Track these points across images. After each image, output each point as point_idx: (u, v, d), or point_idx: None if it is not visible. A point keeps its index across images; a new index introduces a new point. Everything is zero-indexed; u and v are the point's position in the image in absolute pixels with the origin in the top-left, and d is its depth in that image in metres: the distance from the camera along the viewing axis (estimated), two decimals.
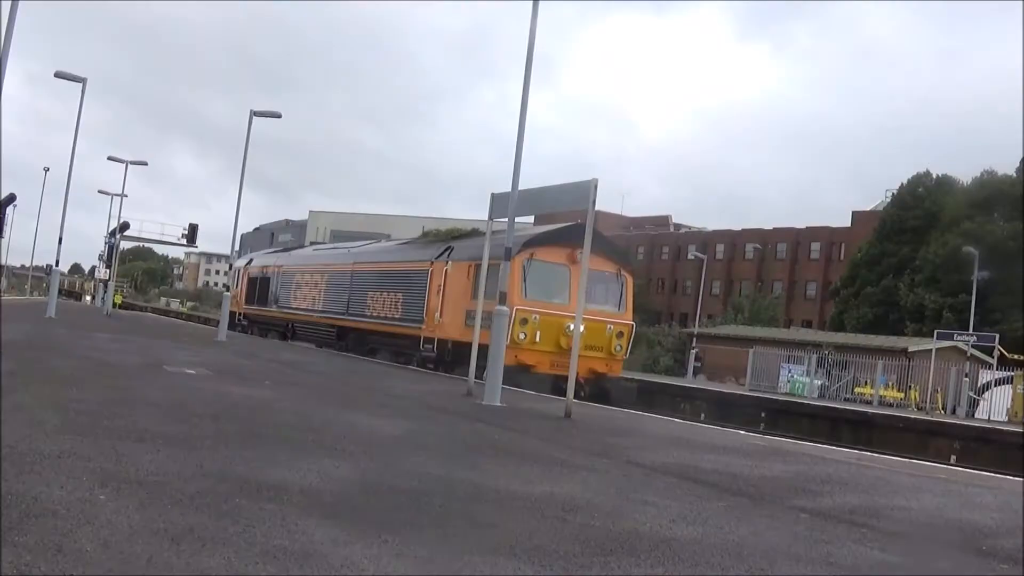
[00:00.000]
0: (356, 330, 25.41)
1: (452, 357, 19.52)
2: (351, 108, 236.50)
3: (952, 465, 13.73)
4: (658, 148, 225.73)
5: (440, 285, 20.56)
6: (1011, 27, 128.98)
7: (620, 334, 19.02)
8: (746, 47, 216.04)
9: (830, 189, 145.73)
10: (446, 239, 22.39)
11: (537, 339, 17.68)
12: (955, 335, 37.90)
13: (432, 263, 21.45)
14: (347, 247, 29.90)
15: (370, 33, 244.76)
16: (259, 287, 33.84)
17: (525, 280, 18.15)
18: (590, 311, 17.31)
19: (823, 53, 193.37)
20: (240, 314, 35.12)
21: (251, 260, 36.66)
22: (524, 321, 17.60)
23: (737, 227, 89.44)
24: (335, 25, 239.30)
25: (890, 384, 36.79)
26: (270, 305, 32.49)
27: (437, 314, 20.45)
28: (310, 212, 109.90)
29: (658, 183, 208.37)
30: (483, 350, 14.39)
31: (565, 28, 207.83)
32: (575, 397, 12.66)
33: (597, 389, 18.09)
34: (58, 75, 28.65)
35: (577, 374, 14.23)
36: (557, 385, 16.80)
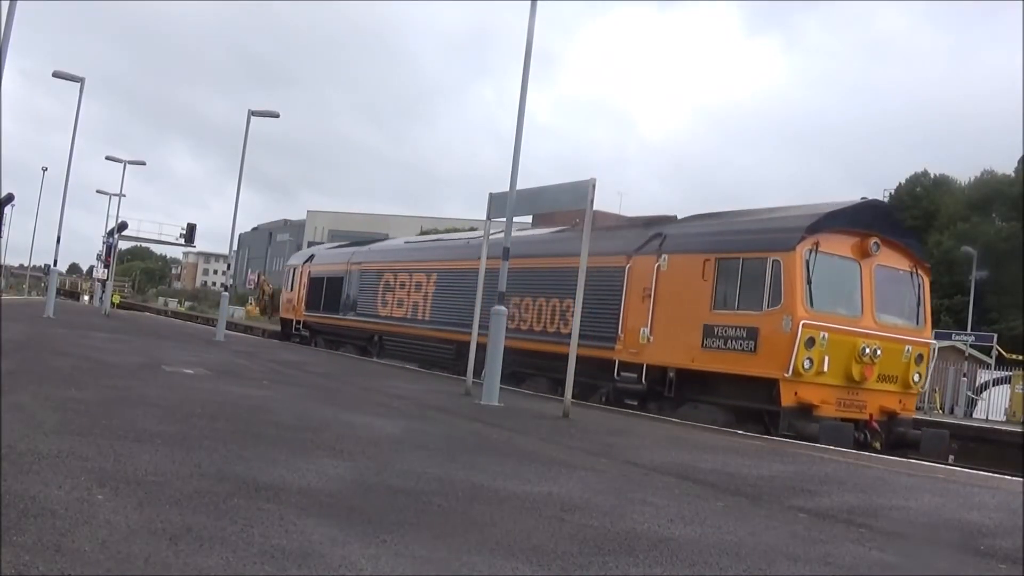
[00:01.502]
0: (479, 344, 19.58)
1: (677, 392, 14.39)
2: (350, 106, 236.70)
3: (950, 465, 13.70)
4: (659, 146, 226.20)
5: (648, 288, 15.10)
6: (1011, 27, 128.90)
7: (919, 358, 13.94)
8: (746, 45, 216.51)
9: (831, 188, 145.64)
10: (646, 224, 16.54)
11: (825, 367, 12.79)
12: (953, 335, 37.96)
13: (631, 257, 15.69)
14: (465, 238, 23.31)
15: (369, 31, 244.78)
16: (327, 290, 27.43)
17: (810, 281, 13.05)
18: (883, 326, 13.64)
19: (829, 50, 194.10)
20: (298, 322, 29.57)
21: (312, 257, 30.10)
22: (811, 342, 12.68)
23: None
24: (333, 23, 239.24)
25: None
26: (344, 312, 26.08)
27: (645, 330, 14.94)
28: (308, 212, 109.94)
29: (659, 181, 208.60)
30: (740, 382, 13.08)
31: (566, 24, 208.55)
32: (863, 447, 11.67)
33: (893, 435, 13.57)
34: (56, 75, 28.64)
35: (869, 417, 13.10)
36: (844, 433, 12.52)
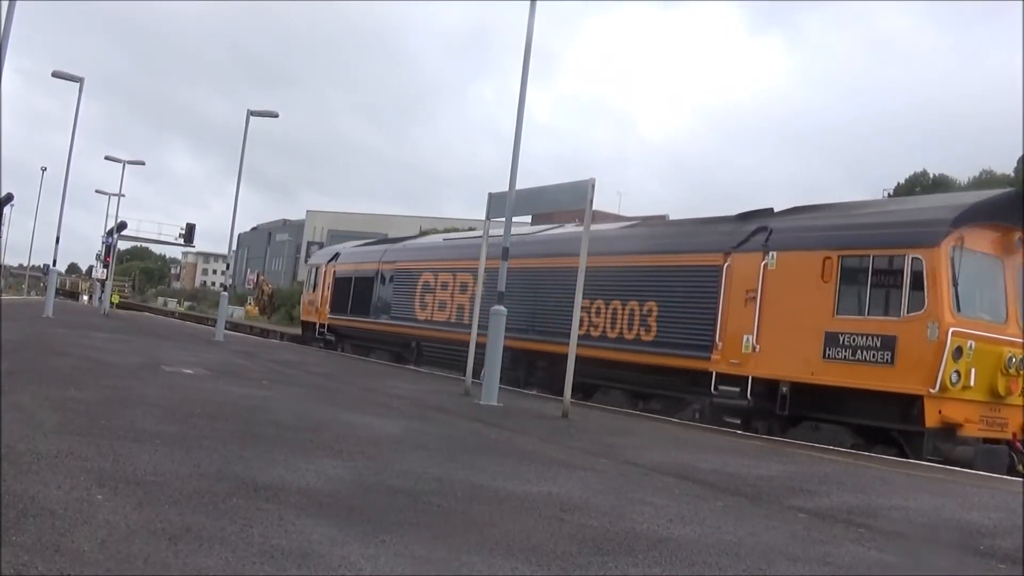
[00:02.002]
0: (549, 355, 16.66)
1: (791, 410, 12.56)
2: (349, 106, 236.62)
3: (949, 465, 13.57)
4: (659, 146, 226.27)
5: (754, 290, 13.19)
6: (1013, 26, 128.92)
7: None
8: (747, 45, 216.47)
9: (832, 187, 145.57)
10: (741, 218, 14.62)
11: (971, 381, 11.17)
12: None
13: (730, 254, 13.71)
14: (524, 233, 19.95)
15: (369, 31, 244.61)
16: (355, 291, 25.09)
17: (956, 282, 11.44)
18: None
19: (830, 49, 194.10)
20: (322, 325, 27.22)
21: (337, 255, 27.65)
22: (958, 352, 11.08)
23: None
24: (333, 23, 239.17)
25: None
26: (375, 315, 23.70)
27: (749, 338, 13.06)
28: (307, 212, 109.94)
29: (659, 181, 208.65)
30: (854, 396, 11.68)
31: (566, 23, 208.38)
32: (1011, 471, 10.71)
33: None
34: (56, 75, 28.65)
35: (1012, 436, 11.63)
36: (999, 457, 11.40)
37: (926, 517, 6.36)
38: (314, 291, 28.20)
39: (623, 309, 15.44)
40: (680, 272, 14.49)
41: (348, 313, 25.40)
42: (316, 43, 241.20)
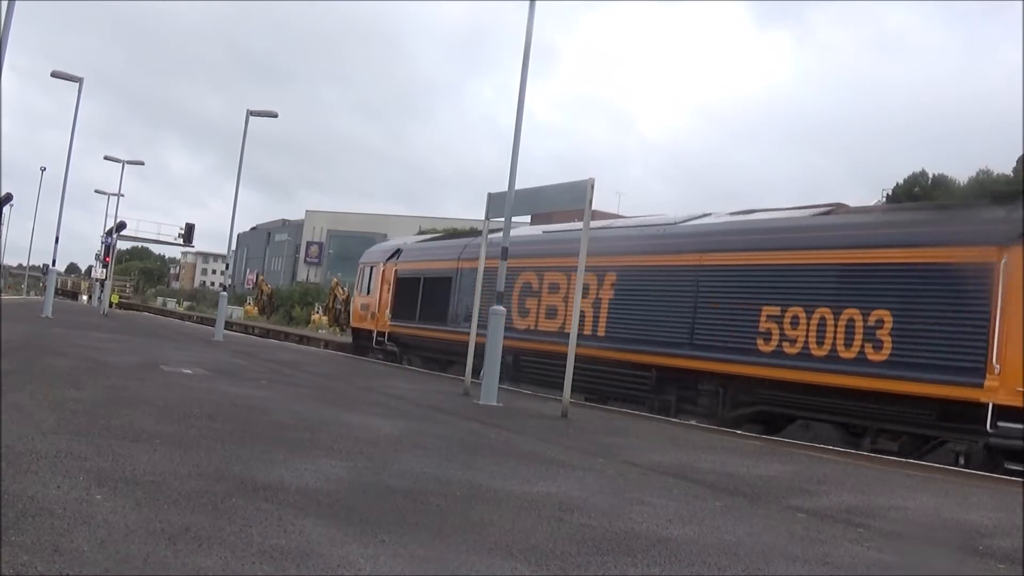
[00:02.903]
0: (736, 378, 13.52)
1: None
2: (347, 104, 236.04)
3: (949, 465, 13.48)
4: (661, 144, 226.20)
5: None
6: (1011, 26, 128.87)
7: None
8: (749, 42, 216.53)
9: (835, 187, 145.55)
10: (996, 199, 11.96)
11: None
12: None
13: (1008, 248, 10.66)
14: (659, 224, 16.61)
15: (366, 26, 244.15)
16: (426, 294, 21.37)
17: None
18: None
19: (835, 46, 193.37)
20: (380, 334, 23.29)
21: (399, 251, 23.68)
22: None
23: None
24: (333, 21, 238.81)
25: None
26: (455, 323, 19.78)
27: None
28: (307, 212, 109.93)
29: (662, 180, 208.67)
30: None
31: (567, 20, 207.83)
32: None
33: None
34: (55, 75, 28.64)
35: None
36: None
37: (925, 517, 6.36)
38: (368, 294, 24.38)
39: (835, 320, 12.13)
40: (928, 272, 11.38)
41: (416, 320, 21.52)
42: (314, 40, 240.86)
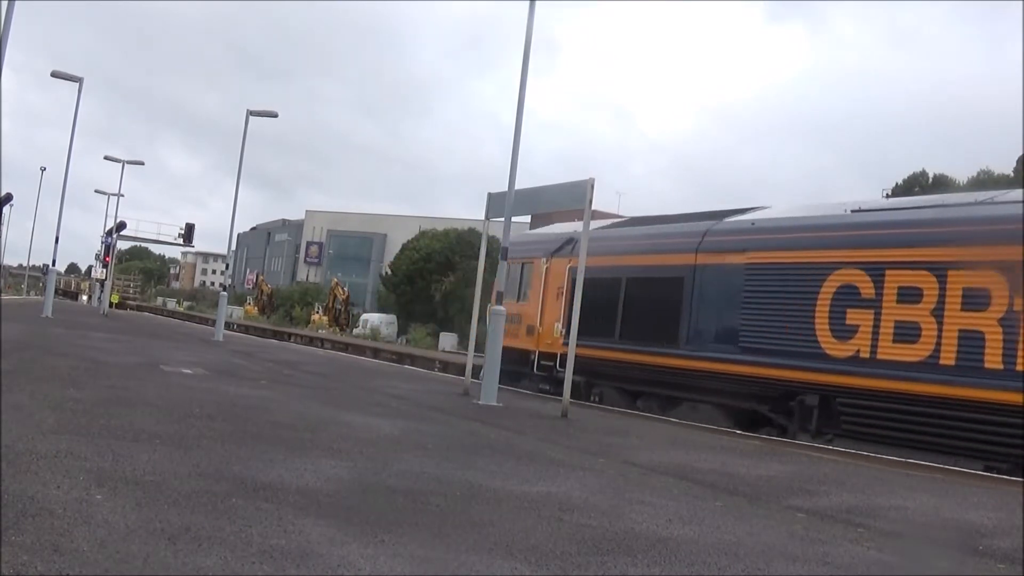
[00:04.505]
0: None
1: None
2: (347, 102, 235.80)
3: (948, 464, 13.38)
4: (663, 143, 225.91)
5: None
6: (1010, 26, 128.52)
7: None
8: (742, 43, 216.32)
9: (838, 187, 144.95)
10: None
11: None
12: None
13: None
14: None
15: (366, 22, 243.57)
16: (631, 301, 15.60)
17: None
18: None
19: (847, 44, 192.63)
20: (547, 356, 16.97)
21: (572, 242, 16.61)
22: None
23: None
24: (330, 16, 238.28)
25: None
26: (691, 343, 14.21)
27: None
28: (306, 212, 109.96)
29: (665, 179, 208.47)
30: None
31: (569, 17, 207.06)
32: None
33: None
34: (55, 75, 28.66)
35: None
36: None
37: (925, 517, 6.36)
38: (524, 300, 17.96)
39: None
40: None
41: (616, 339, 15.57)
42: (314, 38, 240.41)
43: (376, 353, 35.98)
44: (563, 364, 14.87)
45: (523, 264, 18.11)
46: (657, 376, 14.84)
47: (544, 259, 17.71)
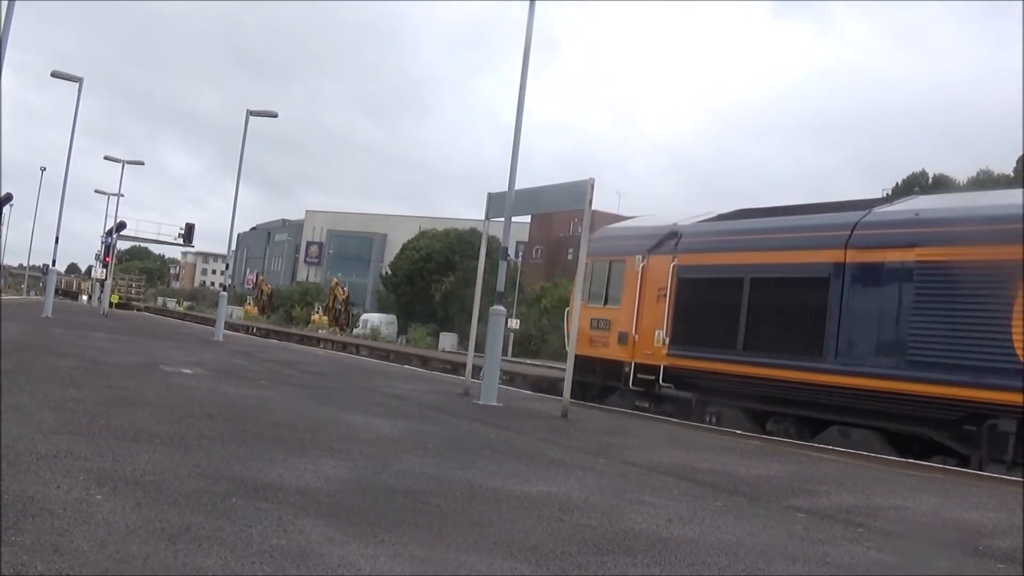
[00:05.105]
0: None
1: None
2: (347, 101, 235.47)
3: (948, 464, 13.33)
4: (666, 143, 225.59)
5: None
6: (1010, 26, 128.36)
7: None
8: (741, 44, 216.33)
9: (839, 187, 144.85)
10: None
11: None
12: None
13: None
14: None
15: (365, 20, 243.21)
16: (758, 306, 13.63)
17: None
18: None
19: (850, 42, 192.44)
20: (645, 368, 15.31)
21: (676, 236, 15.54)
22: None
23: None
24: (329, 14, 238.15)
25: None
26: (839, 357, 12.29)
27: None
28: (307, 212, 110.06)
29: (667, 179, 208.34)
30: None
31: (570, 16, 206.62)
32: None
33: None
34: (55, 75, 28.66)
35: None
36: None
37: (925, 517, 6.36)
38: (612, 304, 16.28)
39: None
40: None
41: (738, 349, 13.72)
42: (313, 37, 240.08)
43: (371, 351, 35.98)
44: (668, 377, 14.44)
45: (611, 262, 16.34)
46: (794, 395, 12.75)
47: (640, 257, 15.79)
